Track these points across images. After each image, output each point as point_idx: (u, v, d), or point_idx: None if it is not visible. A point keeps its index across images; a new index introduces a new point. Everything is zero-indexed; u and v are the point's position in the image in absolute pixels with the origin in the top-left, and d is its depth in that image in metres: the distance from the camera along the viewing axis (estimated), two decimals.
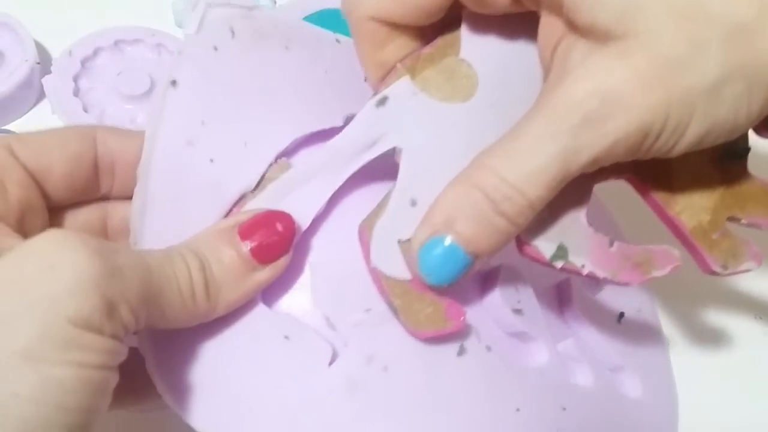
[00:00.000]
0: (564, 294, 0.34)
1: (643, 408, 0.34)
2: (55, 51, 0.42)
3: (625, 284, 0.26)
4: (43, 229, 0.26)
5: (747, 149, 0.28)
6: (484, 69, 0.28)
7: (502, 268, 0.29)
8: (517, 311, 0.29)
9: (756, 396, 0.36)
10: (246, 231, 0.25)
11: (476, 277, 0.29)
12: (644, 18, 0.23)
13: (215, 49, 0.27)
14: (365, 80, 0.29)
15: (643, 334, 0.37)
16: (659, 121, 0.23)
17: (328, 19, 0.42)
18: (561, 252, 0.26)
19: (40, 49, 0.41)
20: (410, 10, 0.26)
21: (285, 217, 0.26)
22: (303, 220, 0.27)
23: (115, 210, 0.28)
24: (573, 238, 0.26)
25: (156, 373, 0.25)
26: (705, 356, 0.37)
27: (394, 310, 0.26)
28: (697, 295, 0.38)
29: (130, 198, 0.27)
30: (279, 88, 0.28)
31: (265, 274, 0.25)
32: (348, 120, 0.28)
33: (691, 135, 0.24)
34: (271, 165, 0.27)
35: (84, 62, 0.42)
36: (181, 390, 0.25)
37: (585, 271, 0.26)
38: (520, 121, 0.25)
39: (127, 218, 0.27)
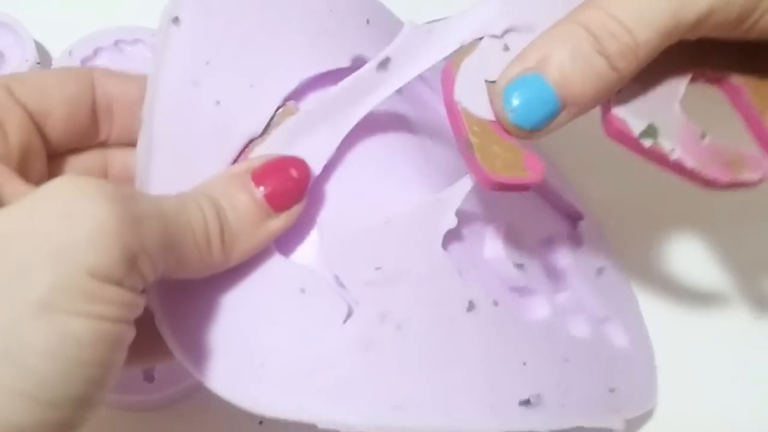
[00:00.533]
0: (557, 247, 0.34)
1: (629, 356, 0.35)
2: (55, 51, 0.41)
3: (712, 181, 0.25)
4: (42, 176, 0.25)
5: None
6: None
7: (505, 225, 0.29)
8: (519, 266, 0.29)
9: (755, 399, 0.36)
10: (260, 176, 0.24)
11: (480, 232, 0.29)
12: None
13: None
14: (367, 23, 0.28)
15: (619, 288, 0.37)
16: None
17: None
18: (651, 130, 0.25)
19: (40, 49, 0.41)
20: None
21: (299, 163, 0.25)
22: (312, 168, 0.26)
23: (115, 157, 0.27)
24: (665, 120, 0.25)
25: (166, 329, 0.24)
26: (701, 358, 0.37)
27: (470, 148, 0.25)
28: (693, 296, 0.38)
29: (128, 144, 0.26)
30: (284, 26, 0.27)
31: (280, 222, 0.24)
32: (355, 61, 0.28)
33: None
34: (278, 108, 0.26)
35: (84, 62, 0.41)
36: (192, 345, 0.24)
37: (674, 156, 0.25)
38: None
39: (128, 165, 0.26)
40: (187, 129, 0.25)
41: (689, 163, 0.25)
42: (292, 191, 0.24)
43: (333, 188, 0.26)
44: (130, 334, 0.20)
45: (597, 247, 0.37)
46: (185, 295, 0.24)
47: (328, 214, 0.26)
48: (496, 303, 0.27)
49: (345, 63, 0.27)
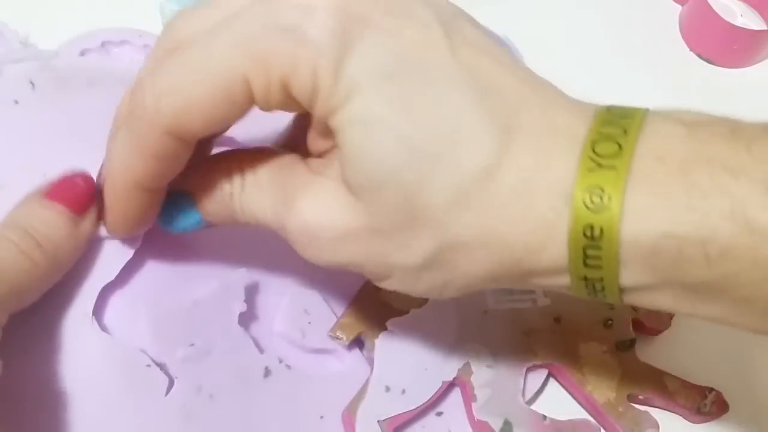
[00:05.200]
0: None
1: None
2: None
3: None
4: None
5: (633, 341, 0.34)
6: None
7: (289, 293, 0.32)
8: (304, 330, 0.32)
9: None
10: (52, 193, 0.27)
11: (273, 308, 0.32)
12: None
13: (16, 102, 0.31)
14: None
15: None
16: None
17: None
18: (507, 426, 0.31)
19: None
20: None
21: (81, 174, 0.28)
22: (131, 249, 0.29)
23: None
24: (514, 413, 0.32)
25: None
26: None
27: None
28: None
29: None
30: (85, 124, 0.31)
31: (88, 222, 0.27)
32: None
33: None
34: None
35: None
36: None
37: None
38: None
39: None
40: None
41: None
42: (83, 195, 0.27)
43: (152, 271, 0.30)
44: None
45: None
46: (12, 383, 0.25)
47: (149, 295, 0.29)
48: (289, 367, 0.31)
49: None
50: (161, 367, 0.29)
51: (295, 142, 0.28)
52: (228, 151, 0.28)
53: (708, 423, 0.34)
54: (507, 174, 0.23)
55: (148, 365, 0.28)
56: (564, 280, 0.24)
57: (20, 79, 0.31)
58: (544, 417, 0.32)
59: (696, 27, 0.45)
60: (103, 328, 0.28)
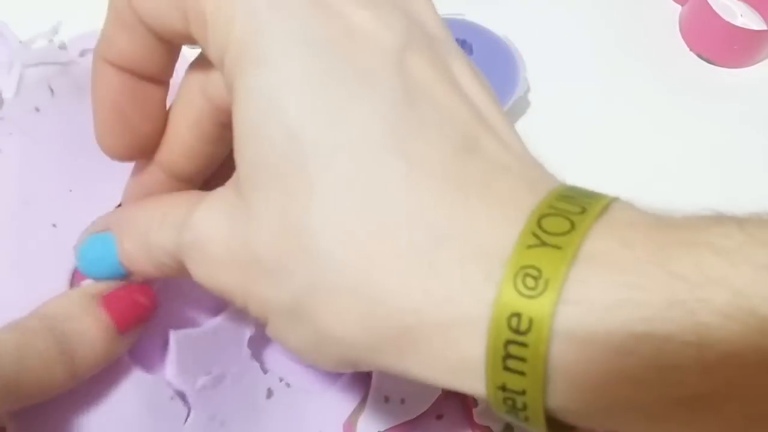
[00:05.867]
0: None
1: None
2: None
3: None
4: None
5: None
6: None
7: None
8: None
9: None
10: (109, 301, 0.24)
11: None
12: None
13: (37, 110, 0.29)
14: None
15: None
16: None
17: None
18: (508, 429, 0.31)
19: None
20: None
21: (146, 290, 0.25)
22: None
23: None
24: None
25: None
26: None
27: None
28: None
29: None
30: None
31: (126, 341, 0.25)
32: None
33: None
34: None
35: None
36: None
37: None
38: None
39: None
40: (22, 249, 0.27)
41: None
42: (140, 317, 0.25)
43: (177, 299, 0.29)
44: None
45: None
46: (37, 414, 0.25)
47: (174, 324, 0.28)
48: (288, 384, 0.30)
49: None
50: (182, 397, 0.28)
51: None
52: (155, 196, 0.26)
53: None
54: (408, 217, 0.18)
55: (172, 397, 0.28)
56: (476, 384, 0.18)
57: (40, 85, 0.30)
58: None
59: (696, 27, 0.45)
60: (132, 357, 0.28)
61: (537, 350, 0.16)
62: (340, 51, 0.19)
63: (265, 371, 0.30)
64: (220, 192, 0.22)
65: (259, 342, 0.31)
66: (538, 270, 0.17)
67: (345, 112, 0.19)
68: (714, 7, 0.43)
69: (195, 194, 0.23)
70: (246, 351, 0.30)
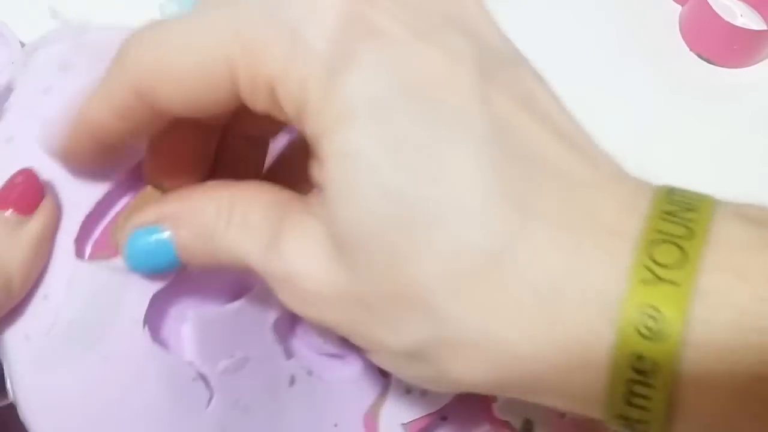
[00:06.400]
0: None
1: None
2: None
3: None
4: None
5: None
6: None
7: None
8: (323, 334, 0.30)
9: None
10: None
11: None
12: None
13: (46, 91, 0.27)
14: None
15: None
16: None
17: None
18: (528, 425, 0.31)
19: None
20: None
21: (22, 171, 0.24)
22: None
23: None
24: (534, 412, 0.31)
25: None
26: None
27: None
28: None
29: None
30: None
31: (37, 222, 0.24)
32: None
33: None
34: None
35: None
36: None
37: None
38: None
39: None
40: None
41: None
42: (24, 193, 0.24)
43: (199, 279, 0.28)
44: None
45: None
46: (54, 393, 0.25)
47: (197, 304, 0.28)
48: (310, 372, 0.30)
49: None
50: (204, 380, 0.27)
51: (295, 167, 0.25)
52: (216, 182, 0.25)
53: None
54: (525, 268, 0.18)
55: (194, 379, 0.27)
56: (594, 411, 0.18)
57: (51, 64, 0.28)
58: (563, 414, 0.32)
59: (696, 27, 0.45)
60: (153, 337, 0.27)
61: (662, 393, 0.17)
62: (417, 95, 0.19)
63: (288, 357, 0.29)
64: (309, 228, 0.21)
65: (285, 326, 0.30)
66: (658, 310, 0.17)
67: (440, 164, 0.18)
68: (714, 7, 0.43)
69: (264, 192, 0.23)
70: (270, 335, 0.29)
